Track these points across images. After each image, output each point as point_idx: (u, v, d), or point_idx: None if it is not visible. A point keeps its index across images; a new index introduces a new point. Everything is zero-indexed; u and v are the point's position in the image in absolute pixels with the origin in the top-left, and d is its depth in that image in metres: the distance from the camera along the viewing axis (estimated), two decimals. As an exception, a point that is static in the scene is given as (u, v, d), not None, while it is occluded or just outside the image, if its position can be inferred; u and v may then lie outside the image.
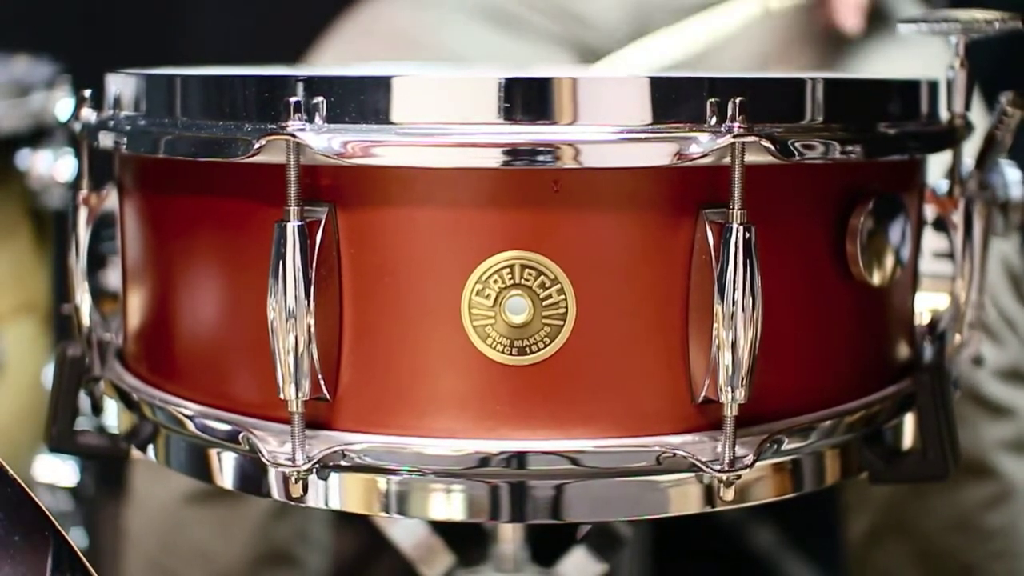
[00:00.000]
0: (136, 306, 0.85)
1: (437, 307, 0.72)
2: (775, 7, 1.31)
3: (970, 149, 0.86)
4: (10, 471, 0.74)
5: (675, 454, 0.72)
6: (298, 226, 0.70)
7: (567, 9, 1.38)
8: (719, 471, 0.72)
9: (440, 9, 1.41)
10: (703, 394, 0.73)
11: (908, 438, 0.85)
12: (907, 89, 0.82)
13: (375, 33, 1.40)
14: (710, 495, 0.75)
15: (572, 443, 0.73)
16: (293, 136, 0.70)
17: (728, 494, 0.73)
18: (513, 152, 0.69)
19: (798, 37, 1.35)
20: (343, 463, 0.74)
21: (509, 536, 1.05)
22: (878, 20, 1.34)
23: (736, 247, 0.70)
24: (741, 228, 0.70)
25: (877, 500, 1.28)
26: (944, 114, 0.85)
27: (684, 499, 0.75)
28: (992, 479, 1.24)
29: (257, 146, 0.71)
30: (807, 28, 1.36)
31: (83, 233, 0.84)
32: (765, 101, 0.72)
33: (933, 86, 0.85)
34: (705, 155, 0.70)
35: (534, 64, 1.33)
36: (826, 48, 1.34)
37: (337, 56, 1.37)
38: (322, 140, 0.70)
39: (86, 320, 0.85)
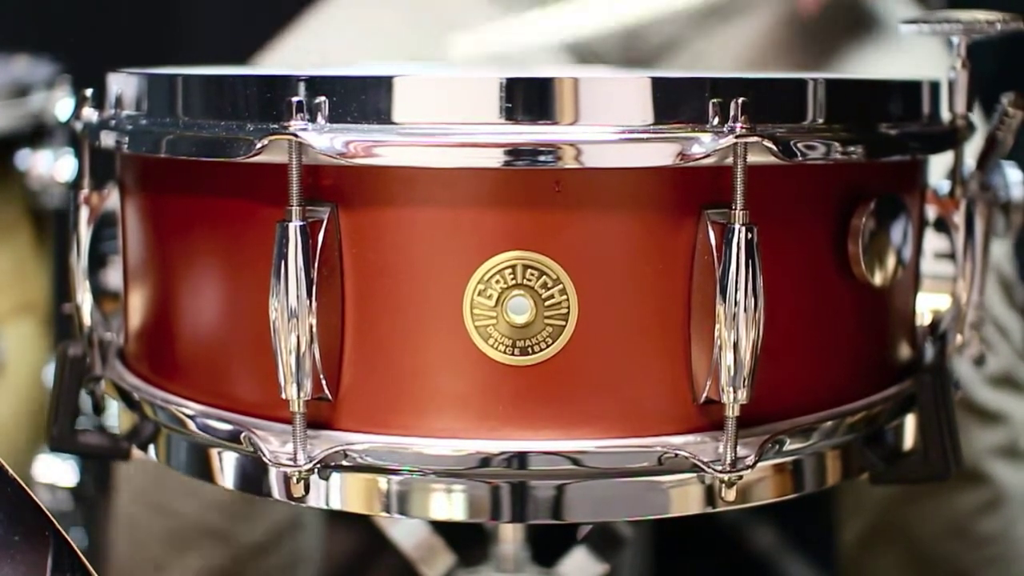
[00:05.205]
0: (137, 306, 0.85)
1: (439, 307, 0.72)
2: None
3: (971, 150, 0.86)
4: (10, 471, 0.74)
5: (677, 454, 0.72)
6: (300, 226, 0.70)
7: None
8: (721, 471, 0.72)
9: None
10: (705, 394, 0.73)
11: (909, 439, 0.85)
12: (909, 90, 0.82)
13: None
14: (711, 495, 0.74)
15: (573, 443, 0.73)
16: (295, 136, 0.70)
17: (730, 495, 0.73)
18: (515, 152, 0.69)
19: (780, 42, 1.35)
20: (344, 463, 0.73)
21: (510, 536, 1.05)
22: (861, 24, 1.33)
23: (738, 247, 0.70)
24: (743, 228, 0.70)
25: (870, 506, 1.28)
26: (945, 115, 0.85)
27: (685, 499, 0.75)
28: (985, 485, 1.25)
29: (259, 146, 0.71)
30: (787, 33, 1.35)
31: (84, 232, 0.84)
32: (767, 101, 0.72)
33: (935, 87, 0.85)
34: (707, 155, 0.70)
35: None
36: (807, 55, 1.34)
37: (336, 24, 1.36)
38: (324, 140, 0.70)
39: (87, 319, 0.85)
